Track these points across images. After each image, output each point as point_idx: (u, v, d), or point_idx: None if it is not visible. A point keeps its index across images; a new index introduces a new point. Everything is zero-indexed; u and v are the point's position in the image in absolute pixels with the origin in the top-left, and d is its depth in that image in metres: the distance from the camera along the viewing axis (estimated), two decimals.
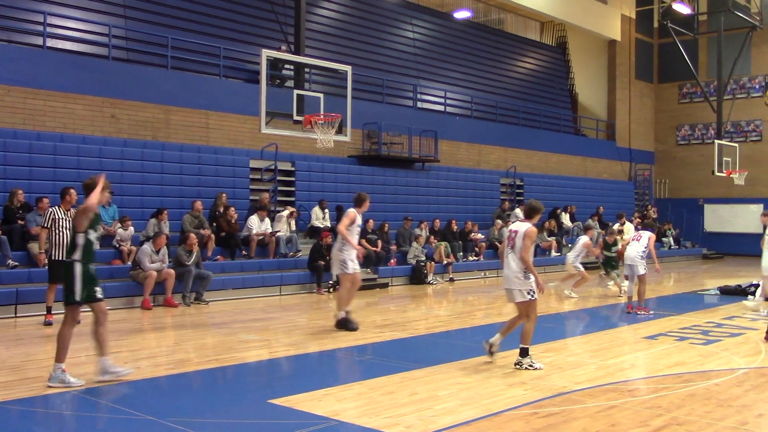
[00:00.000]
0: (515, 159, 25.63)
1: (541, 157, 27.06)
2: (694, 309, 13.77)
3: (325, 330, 10.82)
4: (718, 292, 16.18)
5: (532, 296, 8.15)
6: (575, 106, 31.28)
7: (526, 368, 8.08)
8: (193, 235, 13.89)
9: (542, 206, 8.66)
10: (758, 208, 29.84)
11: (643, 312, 12.67)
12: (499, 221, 21.97)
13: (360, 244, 17.60)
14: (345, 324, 10.65)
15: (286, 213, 16.87)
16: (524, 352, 8.19)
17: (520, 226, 8.33)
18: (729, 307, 13.77)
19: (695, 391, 7.42)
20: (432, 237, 19.47)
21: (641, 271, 12.71)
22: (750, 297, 15.14)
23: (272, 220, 16.72)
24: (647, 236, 12.88)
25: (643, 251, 12.78)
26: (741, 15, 26.44)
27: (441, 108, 24.45)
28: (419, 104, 23.75)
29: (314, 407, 6.61)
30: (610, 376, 7.97)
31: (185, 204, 15.60)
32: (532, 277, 8.14)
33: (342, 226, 10.74)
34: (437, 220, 20.35)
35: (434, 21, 26.30)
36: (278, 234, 16.37)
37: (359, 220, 10.96)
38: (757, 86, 30.82)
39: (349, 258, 10.71)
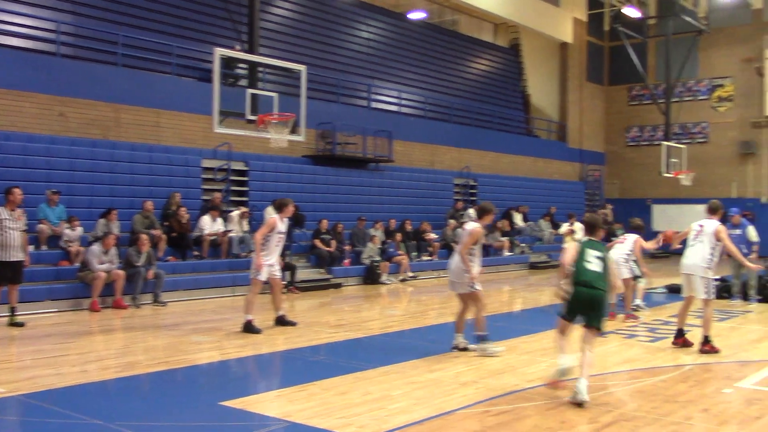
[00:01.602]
0: (469, 159, 25.82)
1: (494, 158, 27.30)
2: (621, 307, 14.00)
3: (277, 331, 10.76)
4: (666, 290, 16.53)
5: (475, 288, 8.79)
6: (528, 108, 31.65)
7: (488, 355, 8.68)
8: (143, 236, 13.68)
9: (493, 207, 9.13)
10: (704, 208, 30.57)
11: (631, 320, 12.10)
12: (452, 221, 22.12)
13: (313, 244, 17.69)
14: (249, 327, 10.46)
15: (237, 213, 16.73)
16: (483, 339, 8.81)
17: (470, 226, 8.89)
18: (675, 305, 14.02)
19: (642, 387, 7.57)
20: (399, 235, 19.56)
21: (625, 275, 12.27)
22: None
23: (225, 220, 16.56)
24: (632, 239, 12.30)
25: (627, 255, 12.29)
26: (689, 19, 27.05)
27: (395, 108, 24.51)
28: (373, 104, 23.77)
29: (266, 409, 6.57)
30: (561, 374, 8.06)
31: (136, 204, 15.35)
32: (475, 270, 8.73)
33: (259, 234, 10.64)
34: (392, 220, 20.39)
35: (389, 21, 26.34)
36: (231, 234, 16.22)
37: (281, 227, 10.74)
38: (704, 89, 31.57)
39: (267, 264, 10.62)
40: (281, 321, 11.09)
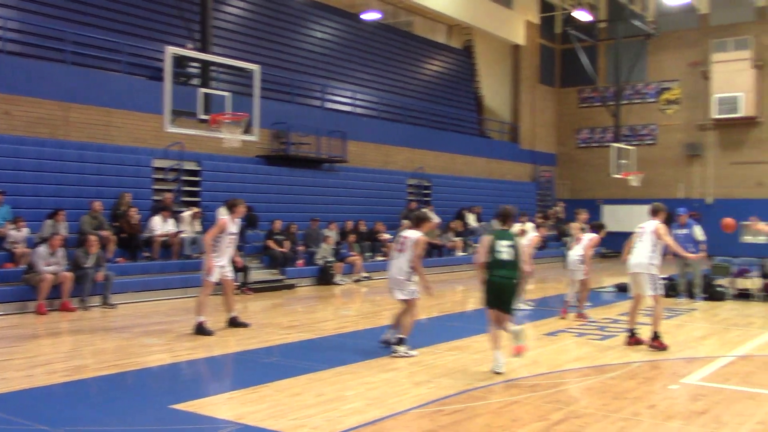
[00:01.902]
0: (422, 160, 25.93)
1: (448, 158, 27.46)
2: (592, 306, 14.25)
3: (230, 333, 10.66)
4: (615, 289, 16.83)
5: (415, 295, 9.09)
6: (481, 109, 31.91)
7: (401, 356, 8.85)
8: (92, 237, 13.43)
9: (430, 215, 9.81)
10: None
11: (581, 320, 12.14)
12: (406, 221, 22.15)
13: (266, 245, 17.56)
14: (201, 329, 10.34)
15: (189, 213, 16.53)
16: (402, 341, 9.04)
17: (411, 234, 9.09)
18: (624, 303, 14.28)
19: (592, 384, 7.70)
20: (352, 236, 19.52)
21: (579, 275, 12.38)
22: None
23: (176, 220, 16.34)
24: (588, 238, 12.38)
25: (581, 255, 12.37)
26: (638, 23, 27.59)
27: (349, 109, 24.48)
28: (328, 105, 23.71)
29: (218, 411, 6.51)
30: (512, 372, 8.16)
31: (84, 204, 15.05)
32: (416, 278, 9.02)
33: (209, 236, 10.54)
34: (349, 222, 20.36)
35: (343, 21, 26.31)
36: (182, 235, 16.02)
37: (232, 228, 10.62)
38: (652, 92, 32.21)
39: (218, 265, 10.51)
40: (233, 322, 10.99)
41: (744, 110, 28.79)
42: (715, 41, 29.69)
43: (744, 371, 8.52)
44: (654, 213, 9.92)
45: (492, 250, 8.13)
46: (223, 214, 11.25)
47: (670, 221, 11.26)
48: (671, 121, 31.60)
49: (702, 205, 30.28)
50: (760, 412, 6.67)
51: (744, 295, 15.55)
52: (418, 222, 9.29)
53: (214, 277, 10.51)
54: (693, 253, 15.03)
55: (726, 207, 29.78)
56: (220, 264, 10.57)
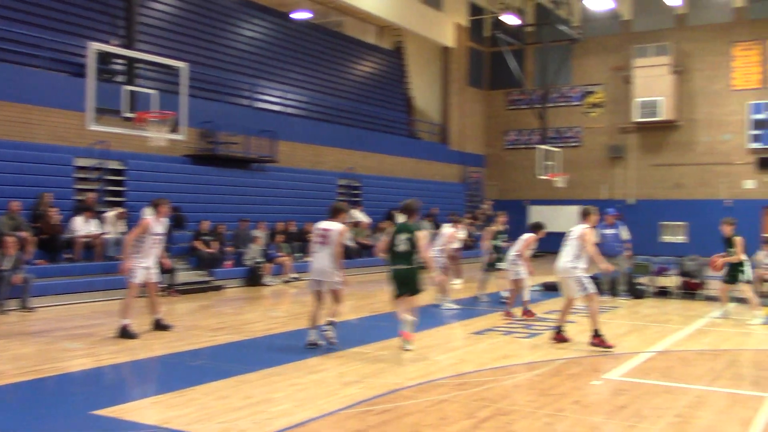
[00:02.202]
0: (353, 160, 25.93)
1: (378, 159, 27.54)
2: (518, 304, 14.50)
3: (155, 335, 10.43)
4: (541, 288, 17.16)
5: (340, 286, 9.59)
6: (411, 110, 32.11)
7: (328, 339, 9.41)
8: (9, 238, 12.94)
9: (346, 207, 10.21)
10: (577, 209, 31.99)
11: (508, 318, 12.32)
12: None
13: (193, 246, 17.26)
14: (125, 332, 10.11)
15: (113, 214, 16.12)
16: (333, 324, 9.58)
17: (333, 226, 9.54)
18: (550, 302, 14.64)
19: (519, 382, 7.83)
20: (280, 236, 19.34)
21: (513, 276, 12.55)
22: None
23: (100, 221, 15.91)
24: (524, 238, 12.59)
25: (517, 254, 12.61)
26: (563, 28, 28.24)
27: (279, 108, 24.29)
28: (257, 104, 23.47)
29: (142, 416, 6.36)
30: (441, 371, 8.24)
31: (2, 204, 14.49)
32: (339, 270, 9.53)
33: (130, 236, 10.35)
34: (280, 223, 20.18)
35: (273, 20, 26.08)
36: (106, 236, 15.60)
37: (156, 228, 10.37)
38: (577, 95, 33.02)
39: (142, 266, 10.29)
40: (158, 325, 10.78)
41: (664, 114, 29.80)
42: (637, 47, 30.65)
43: (663, 366, 8.80)
44: (583, 216, 10.11)
45: (392, 242, 9.28)
46: (148, 214, 11.01)
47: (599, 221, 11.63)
48: (595, 124, 32.47)
49: (624, 206, 31.17)
50: (678, 405, 6.90)
51: (663, 293, 16.09)
52: (335, 213, 9.76)
53: (138, 279, 10.28)
54: (619, 251, 15.55)
55: (647, 208, 30.86)
56: (144, 265, 10.34)
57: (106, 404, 6.66)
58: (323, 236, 9.52)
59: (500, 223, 15.29)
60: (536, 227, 12.72)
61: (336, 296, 9.68)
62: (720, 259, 12.78)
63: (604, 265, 10.08)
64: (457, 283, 18.25)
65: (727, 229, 12.75)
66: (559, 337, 10.05)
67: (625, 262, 15.77)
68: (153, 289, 10.74)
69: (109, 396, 7.20)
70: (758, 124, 28.92)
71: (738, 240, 12.52)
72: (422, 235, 9.41)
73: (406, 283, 9.33)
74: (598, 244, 15.38)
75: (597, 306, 9.91)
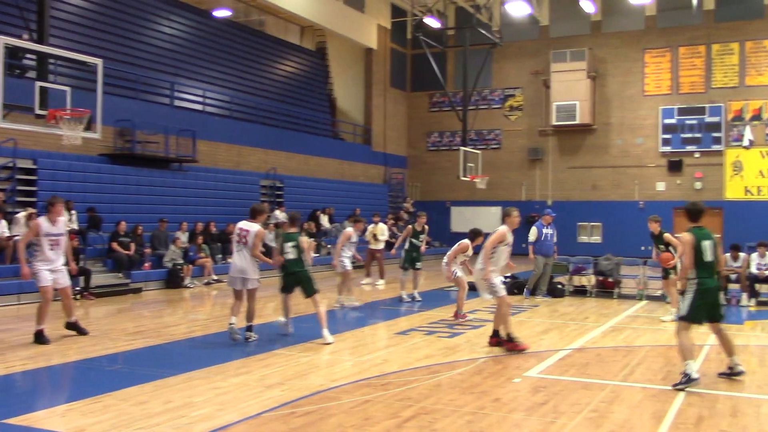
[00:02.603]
0: (275, 161, 25.71)
1: (301, 160, 27.40)
2: (441, 304, 14.69)
3: (70, 340, 10.08)
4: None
5: (258, 285, 10.15)
6: (334, 111, 32.07)
7: (253, 340, 9.98)
8: None
9: (266, 208, 10.61)
10: (497, 210, 32.58)
11: (459, 319, 12.25)
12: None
13: (110, 247, 16.77)
14: (39, 338, 9.75)
15: (23, 215, 15.50)
16: (251, 328, 10.13)
17: (251, 227, 10.02)
18: (472, 301, 14.80)
19: (441, 381, 7.91)
20: (200, 237, 18.94)
21: (451, 276, 12.45)
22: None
23: (9, 222, 15.27)
24: (457, 243, 12.47)
25: (448, 257, 12.47)
26: (484, 32, 28.69)
27: (199, 107, 23.86)
28: (176, 102, 22.99)
29: (55, 424, 6.14)
30: (365, 371, 8.24)
31: None
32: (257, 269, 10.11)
33: (21, 241, 9.93)
34: (199, 223, 19.82)
35: (193, 18, 25.60)
36: (16, 238, 14.97)
37: (51, 229, 9.83)
38: (497, 98, 33.64)
39: (46, 269, 9.81)
40: (73, 328, 10.38)
41: (580, 118, 30.67)
42: (555, 52, 31.43)
43: (580, 363, 9.04)
44: (503, 218, 9.99)
45: (282, 252, 10.15)
46: (64, 215, 10.60)
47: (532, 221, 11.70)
48: (515, 127, 33.15)
49: (543, 207, 31.93)
50: (594, 400, 7.10)
51: (580, 292, 16.54)
52: (254, 214, 10.21)
53: (44, 282, 9.80)
54: (553, 252, 15.87)
55: (564, 209, 31.64)
56: (48, 268, 9.85)
57: (17, 413, 6.40)
58: (243, 236, 9.97)
59: (420, 224, 15.46)
60: (474, 234, 12.45)
61: (250, 296, 10.12)
62: (670, 254, 12.69)
63: (510, 267, 9.99)
64: (380, 284, 18.32)
65: (655, 227, 13.02)
66: (494, 340, 9.78)
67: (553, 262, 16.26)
68: (65, 293, 10.26)
69: (21, 404, 6.92)
70: (668, 129, 30.09)
71: (669, 236, 12.87)
72: (305, 242, 10.32)
73: (300, 285, 10.23)
74: (536, 243, 15.76)
75: (507, 310, 9.66)
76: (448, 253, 12.58)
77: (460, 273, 12.37)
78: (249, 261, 9.89)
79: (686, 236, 7.75)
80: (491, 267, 9.59)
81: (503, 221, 9.93)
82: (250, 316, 10.14)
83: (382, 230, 18.27)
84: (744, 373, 8.01)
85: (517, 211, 9.99)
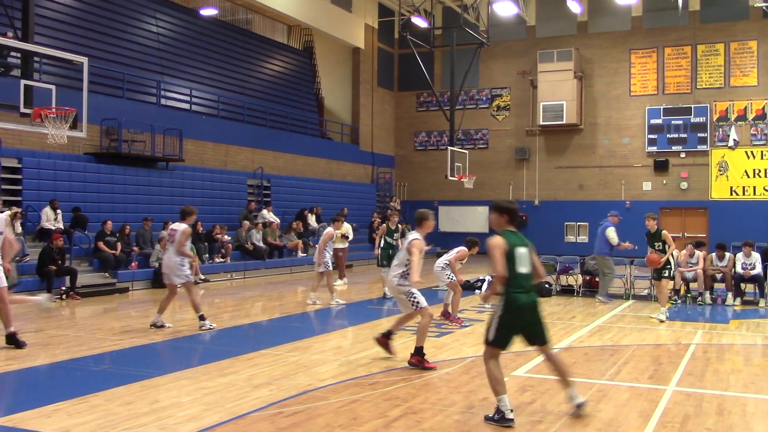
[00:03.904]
0: (262, 160, 25.64)
1: (289, 159, 27.34)
2: (429, 304, 14.65)
3: (56, 340, 10.02)
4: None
5: (189, 279, 11.06)
6: (321, 110, 32.01)
7: (208, 329, 10.87)
8: None
9: (195, 210, 11.22)
10: (485, 209, 32.69)
11: (455, 323, 11.85)
12: (246, 222, 21.86)
13: (96, 247, 16.67)
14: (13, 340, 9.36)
15: (7, 214, 15.34)
16: (203, 317, 11.05)
17: (178, 226, 10.88)
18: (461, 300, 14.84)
19: (429, 380, 7.91)
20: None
21: (442, 281, 12.29)
22: (477, 291, 16.54)
23: None
24: (456, 250, 12.33)
25: (446, 263, 12.23)
26: (471, 32, 28.72)
27: (186, 106, 23.76)
28: (163, 101, 22.88)
29: (41, 425, 6.09)
30: (352, 371, 8.24)
31: None
32: (188, 263, 11.15)
33: None
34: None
35: (179, 16, 25.48)
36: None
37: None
38: (485, 98, 33.69)
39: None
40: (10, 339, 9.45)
41: (567, 118, 30.77)
42: (541, 52, 31.51)
43: (567, 362, 9.04)
44: (419, 222, 8.71)
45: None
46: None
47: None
48: (502, 127, 33.22)
49: (530, 207, 32.08)
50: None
51: (567, 291, 16.60)
52: (184, 216, 10.98)
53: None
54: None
55: (551, 209, 31.79)
56: None
57: (2, 413, 6.35)
58: (172, 236, 10.95)
59: (393, 222, 15.73)
60: (472, 243, 12.42)
61: (188, 289, 11.05)
62: (657, 255, 12.65)
63: (415, 279, 8.49)
64: (340, 284, 18.24)
65: (652, 224, 12.88)
66: (415, 359, 8.52)
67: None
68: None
69: (6, 404, 6.87)
70: (654, 129, 30.24)
71: (666, 233, 12.75)
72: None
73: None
74: (604, 243, 15.14)
75: (428, 322, 8.71)
76: (441, 259, 12.40)
77: (455, 278, 12.18)
78: (174, 259, 10.88)
79: (497, 240, 6.41)
80: (403, 276, 8.65)
81: (419, 225, 8.69)
82: (195, 308, 11.08)
83: (347, 230, 18.37)
84: (586, 405, 6.54)
85: (432, 214, 8.75)
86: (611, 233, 15.34)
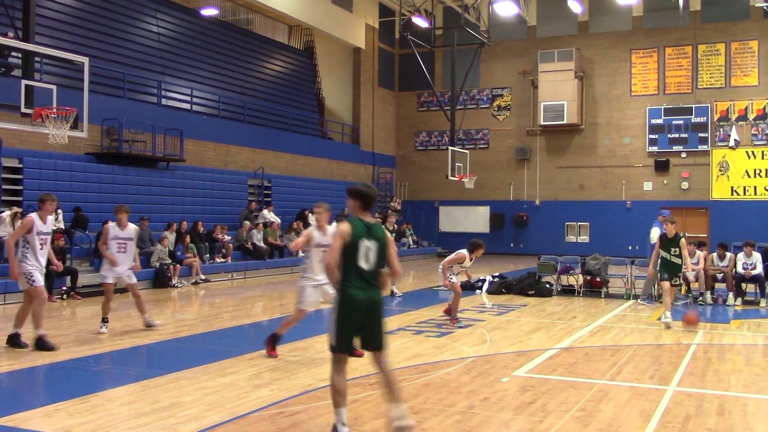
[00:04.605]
0: (263, 160, 25.64)
1: (289, 159, 27.35)
2: (429, 304, 14.71)
3: (57, 340, 9.99)
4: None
5: (132, 281, 11.01)
6: (322, 110, 32.02)
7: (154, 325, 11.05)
8: None
9: (126, 208, 10.90)
10: (486, 210, 32.71)
11: (455, 324, 11.66)
12: (247, 222, 21.86)
13: (97, 247, 16.62)
14: (42, 344, 9.30)
15: (8, 214, 15.38)
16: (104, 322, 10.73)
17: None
18: (461, 300, 14.84)
19: (430, 380, 7.91)
20: (187, 237, 18.81)
21: (447, 283, 11.88)
22: (477, 291, 16.55)
23: None
24: (457, 252, 11.90)
25: (443, 266, 11.91)
26: (472, 32, 28.73)
27: (187, 106, 23.76)
28: (164, 101, 22.88)
29: (42, 424, 6.09)
30: (353, 371, 8.19)
31: None
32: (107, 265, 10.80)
33: (11, 238, 9.43)
34: (184, 222, 19.72)
35: (180, 16, 25.49)
36: (2, 237, 14.87)
37: (41, 227, 9.44)
38: (485, 98, 33.70)
39: (34, 269, 9.35)
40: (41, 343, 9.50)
41: (567, 118, 30.77)
42: (542, 52, 31.51)
43: (568, 362, 9.07)
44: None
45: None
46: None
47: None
48: (503, 127, 33.22)
49: (531, 207, 32.09)
50: (582, 399, 7.12)
51: (568, 291, 16.59)
52: (119, 210, 10.85)
53: (38, 282, 9.42)
54: None
55: (552, 209, 31.78)
56: (39, 269, 9.45)
57: (5, 413, 6.35)
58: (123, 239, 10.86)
59: (391, 223, 15.74)
60: (473, 246, 11.70)
61: (131, 291, 11.04)
62: (695, 316, 11.70)
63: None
64: None
65: (670, 228, 12.12)
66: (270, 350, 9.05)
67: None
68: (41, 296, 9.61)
69: (7, 404, 6.86)
70: (655, 129, 30.24)
71: (684, 242, 12.12)
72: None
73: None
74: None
75: (298, 317, 9.01)
76: (443, 262, 12.07)
77: (455, 279, 11.94)
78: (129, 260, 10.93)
79: (340, 227, 5.80)
80: (310, 274, 8.93)
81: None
82: (142, 310, 11.19)
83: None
84: (410, 430, 5.75)
85: (322, 207, 9.01)
86: (653, 233, 15.09)
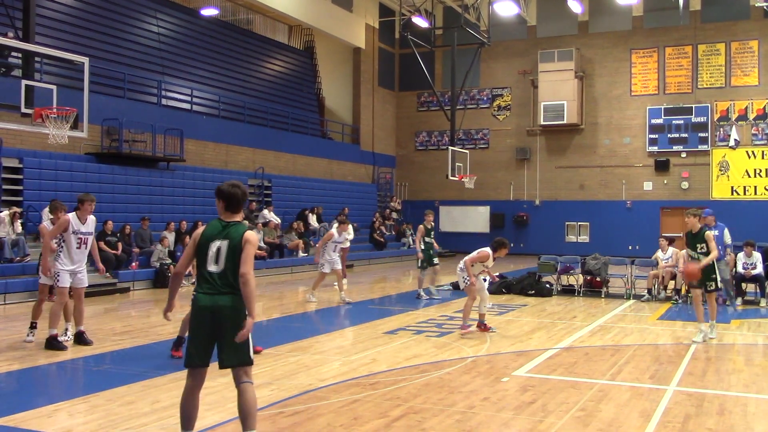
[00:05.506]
0: (263, 160, 25.64)
1: (289, 159, 27.34)
2: (429, 304, 14.71)
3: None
4: (451, 287, 17.41)
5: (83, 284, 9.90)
6: (322, 110, 32.01)
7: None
8: None
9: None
10: (486, 209, 32.70)
11: (464, 331, 10.92)
12: (247, 222, 21.81)
13: (98, 247, 16.65)
14: (53, 343, 9.33)
15: (8, 214, 15.39)
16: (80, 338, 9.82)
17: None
18: (460, 301, 14.82)
19: (430, 380, 7.91)
20: (187, 237, 18.79)
21: (461, 285, 11.49)
22: None
23: None
24: (476, 251, 11.10)
25: (464, 266, 11.13)
26: (472, 32, 28.72)
27: (187, 106, 23.75)
28: (164, 101, 22.87)
29: (42, 425, 6.09)
30: (353, 371, 8.24)
31: None
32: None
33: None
34: (183, 222, 19.73)
35: (180, 16, 25.49)
36: (2, 237, 14.88)
37: (81, 227, 9.53)
38: (485, 98, 33.68)
39: (67, 269, 9.44)
40: (80, 339, 9.74)
41: (568, 118, 30.76)
42: (542, 52, 31.50)
43: (568, 362, 9.07)
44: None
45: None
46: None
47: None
48: (503, 126, 33.20)
49: (531, 207, 32.09)
50: (582, 399, 7.12)
51: (568, 291, 16.59)
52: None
53: (63, 283, 9.45)
54: (721, 256, 14.93)
55: (552, 208, 31.77)
56: (69, 269, 9.49)
57: (4, 413, 6.35)
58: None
59: (429, 222, 15.73)
60: (498, 245, 10.97)
61: (76, 297, 9.83)
62: (695, 266, 10.41)
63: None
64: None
65: (693, 222, 10.56)
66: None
67: (725, 266, 14.26)
68: (79, 295, 9.82)
69: (7, 404, 6.86)
70: (655, 129, 30.23)
71: (710, 234, 10.65)
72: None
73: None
74: None
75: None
76: (465, 259, 11.13)
77: (461, 284, 11.35)
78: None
79: (197, 230, 5.55)
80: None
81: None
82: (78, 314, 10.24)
83: (348, 230, 18.39)
84: None
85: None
86: (726, 234, 14.69)
